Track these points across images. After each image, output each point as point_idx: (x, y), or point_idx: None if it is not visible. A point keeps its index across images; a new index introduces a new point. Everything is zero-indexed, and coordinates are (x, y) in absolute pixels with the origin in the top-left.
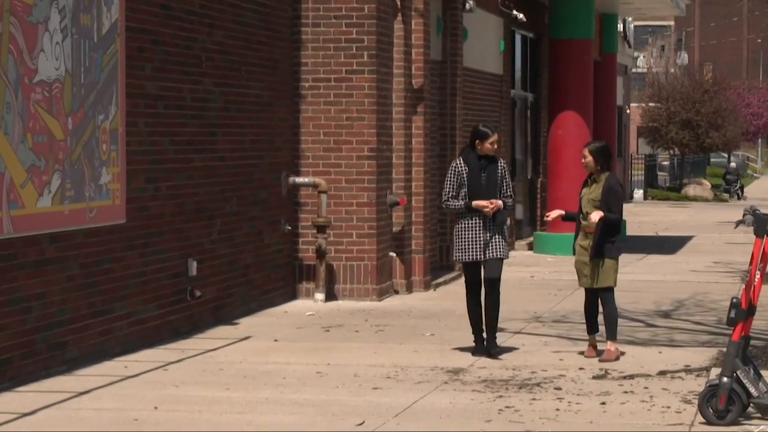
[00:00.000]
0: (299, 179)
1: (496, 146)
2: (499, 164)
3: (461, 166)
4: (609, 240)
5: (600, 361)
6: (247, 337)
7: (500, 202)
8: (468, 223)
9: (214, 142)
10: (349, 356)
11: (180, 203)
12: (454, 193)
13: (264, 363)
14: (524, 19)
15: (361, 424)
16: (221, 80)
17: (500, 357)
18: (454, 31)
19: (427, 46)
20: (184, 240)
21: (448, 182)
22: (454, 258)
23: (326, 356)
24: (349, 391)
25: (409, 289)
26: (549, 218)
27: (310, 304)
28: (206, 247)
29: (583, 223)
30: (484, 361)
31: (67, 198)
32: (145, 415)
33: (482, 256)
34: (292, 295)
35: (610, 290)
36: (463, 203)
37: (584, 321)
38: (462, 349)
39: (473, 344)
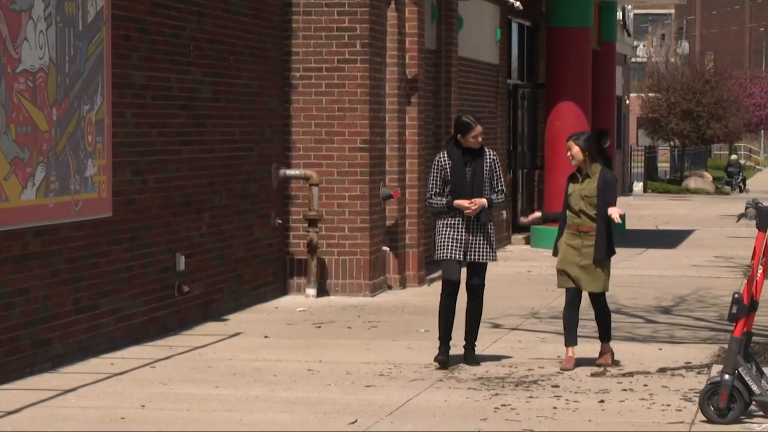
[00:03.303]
0: (290, 171)
1: (480, 139)
2: (487, 156)
3: (444, 161)
4: (609, 241)
5: (597, 365)
6: (237, 334)
7: (484, 201)
8: (449, 222)
9: (202, 134)
10: (341, 353)
11: (168, 196)
12: (438, 190)
13: (254, 360)
14: (521, 7)
15: (353, 422)
16: (210, 70)
17: (480, 363)
18: (449, 19)
19: (421, 35)
20: (172, 234)
21: (432, 178)
22: (435, 257)
23: (318, 353)
24: (342, 389)
25: (403, 284)
26: (527, 221)
27: (301, 300)
28: (195, 241)
29: (576, 221)
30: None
31: (51, 191)
32: (132, 414)
33: (462, 257)
34: (283, 291)
35: (605, 294)
36: (445, 201)
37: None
38: (457, 346)
39: (437, 350)
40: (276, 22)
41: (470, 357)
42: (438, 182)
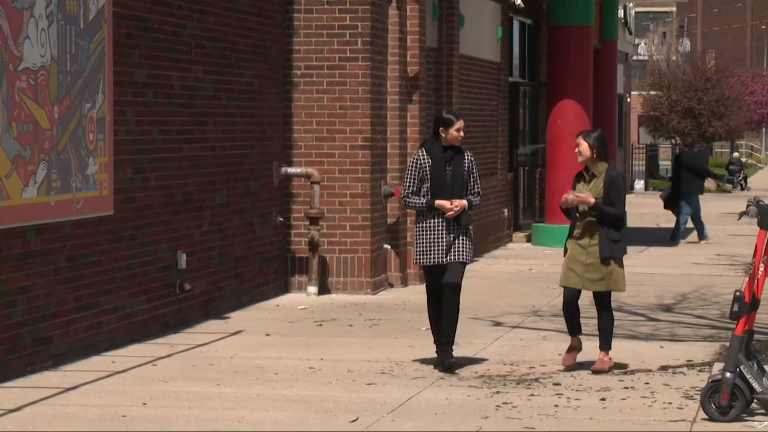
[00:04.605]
0: (291, 169)
1: (462, 134)
2: (466, 157)
3: (424, 159)
4: (615, 239)
5: (592, 371)
6: (238, 332)
7: (464, 202)
8: (430, 223)
9: (203, 132)
10: (342, 351)
11: (169, 194)
12: (414, 189)
13: (255, 358)
14: (522, 5)
15: (354, 420)
16: (211, 68)
17: (457, 371)
18: (450, 17)
19: (422, 32)
20: (173, 232)
21: (409, 176)
22: (414, 261)
23: (319, 351)
24: (343, 387)
25: (404, 282)
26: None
27: (302, 298)
28: (196, 239)
29: (582, 220)
30: (481, 356)
31: (53, 189)
32: (133, 412)
33: (445, 259)
34: (284, 289)
35: (610, 294)
36: (425, 201)
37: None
38: (459, 344)
39: (435, 355)
40: (277, 20)
41: (447, 358)
42: (415, 180)
